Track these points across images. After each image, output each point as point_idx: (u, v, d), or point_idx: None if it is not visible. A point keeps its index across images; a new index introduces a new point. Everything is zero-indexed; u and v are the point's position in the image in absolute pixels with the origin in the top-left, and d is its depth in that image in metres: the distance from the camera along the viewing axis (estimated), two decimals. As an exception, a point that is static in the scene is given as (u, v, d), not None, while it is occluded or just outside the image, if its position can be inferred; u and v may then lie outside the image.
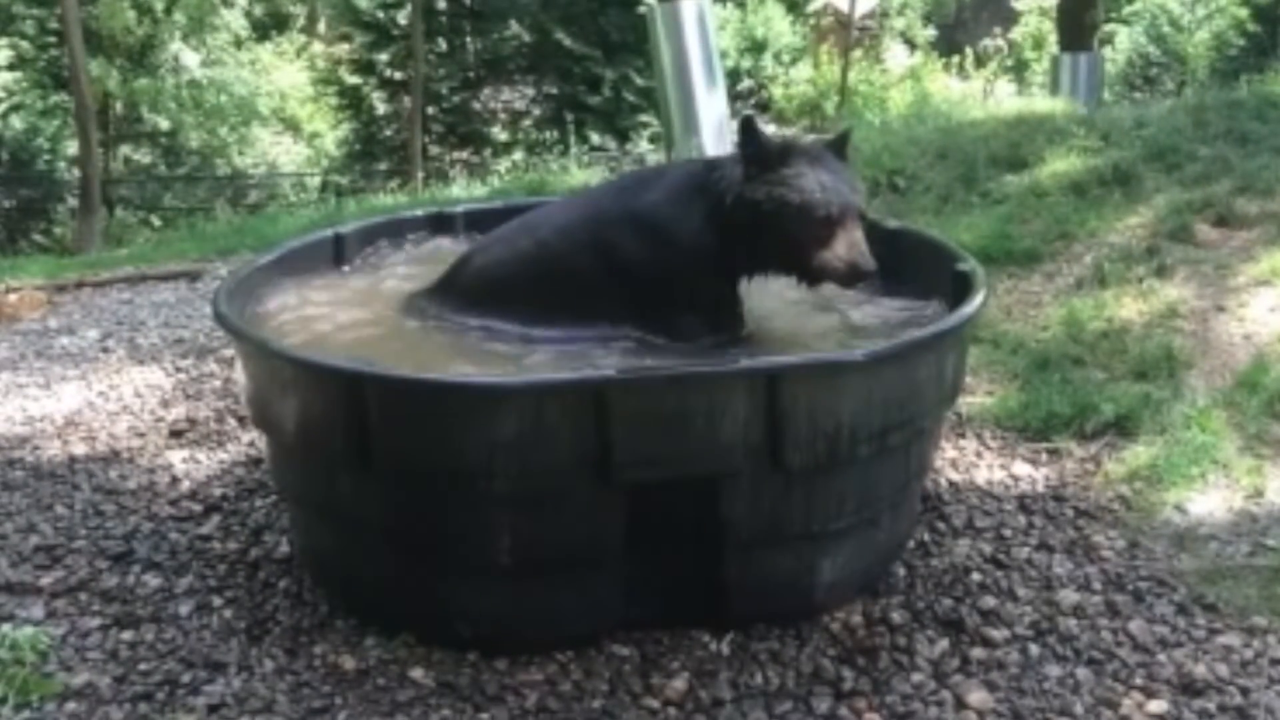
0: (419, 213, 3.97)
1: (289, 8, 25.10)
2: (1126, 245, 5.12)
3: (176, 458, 3.75)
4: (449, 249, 3.57)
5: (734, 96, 15.46)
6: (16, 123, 18.10)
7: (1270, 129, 6.26)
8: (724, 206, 2.85)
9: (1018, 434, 3.75)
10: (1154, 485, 3.41)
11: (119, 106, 19.56)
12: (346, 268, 3.54)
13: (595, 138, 17.66)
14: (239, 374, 3.06)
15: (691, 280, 2.93)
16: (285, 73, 23.13)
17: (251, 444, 3.78)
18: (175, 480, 3.60)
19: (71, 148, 17.21)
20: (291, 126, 23.08)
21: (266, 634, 2.77)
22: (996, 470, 3.54)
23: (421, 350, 2.97)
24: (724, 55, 15.19)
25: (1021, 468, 3.55)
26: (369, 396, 2.51)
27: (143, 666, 2.65)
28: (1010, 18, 25.77)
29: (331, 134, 21.59)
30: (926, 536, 3.15)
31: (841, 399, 2.56)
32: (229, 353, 4.41)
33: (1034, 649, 2.68)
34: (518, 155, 17.38)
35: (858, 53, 21.81)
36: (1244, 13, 19.38)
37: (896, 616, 2.78)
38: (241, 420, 3.95)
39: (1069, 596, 2.88)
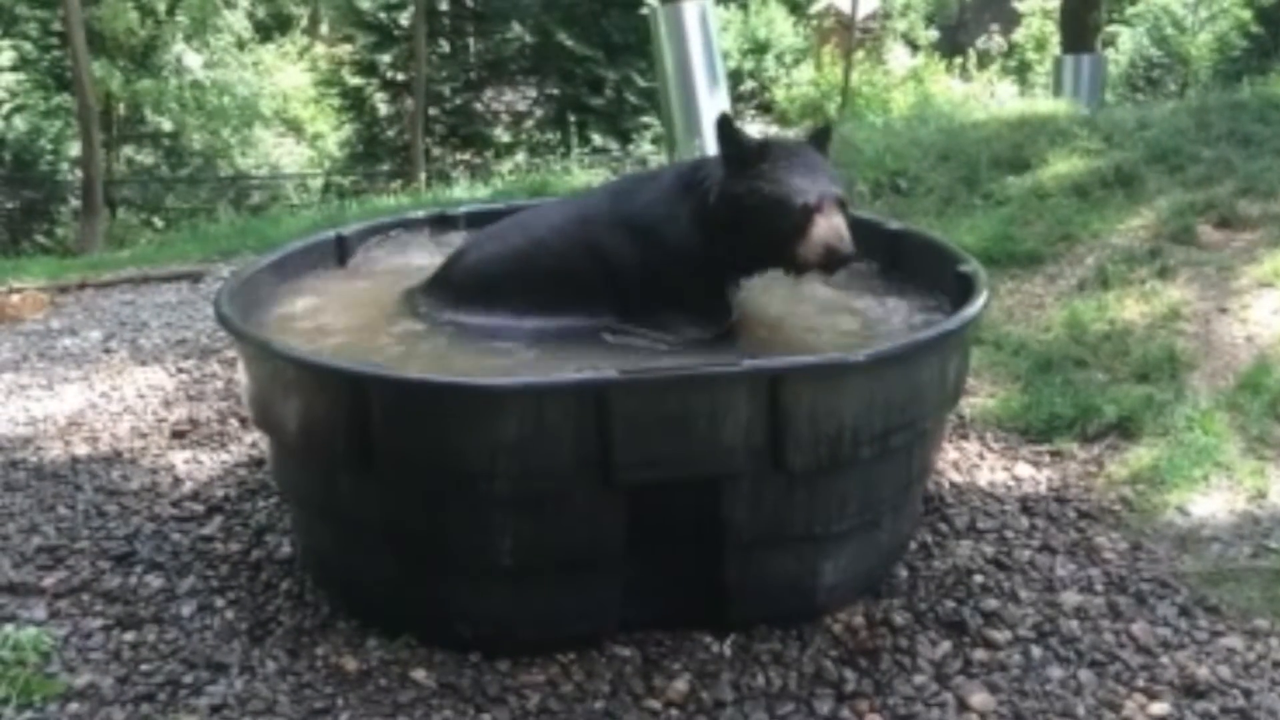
0: (420, 214, 3.98)
1: (291, 9, 25.10)
2: (1129, 247, 5.12)
3: (179, 459, 3.76)
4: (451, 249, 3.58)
5: (736, 98, 15.47)
6: (19, 124, 18.08)
7: (1273, 131, 6.25)
8: (705, 203, 2.92)
9: (1020, 435, 3.75)
10: (1156, 487, 3.41)
11: (122, 108, 19.54)
12: (347, 268, 3.54)
13: (597, 139, 17.63)
14: (241, 375, 3.06)
15: (679, 279, 2.99)
16: (288, 74, 23.10)
17: (254, 445, 3.78)
18: (177, 481, 3.60)
19: (74, 149, 17.20)
20: (294, 128, 23.06)
21: (268, 635, 2.78)
22: (999, 472, 3.54)
23: (419, 350, 2.97)
24: (726, 57, 15.20)
25: (1024, 469, 3.55)
26: (371, 398, 2.51)
27: (145, 667, 2.66)
28: (1013, 19, 25.75)
29: (334, 135, 21.57)
30: (928, 538, 3.15)
31: (843, 400, 2.56)
32: (231, 354, 4.41)
33: (1036, 651, 2.68)
34: (520, 156, 17.37)
35: (860, 54, 21.79)
36: (1247, 14, 19.35)
37: (898, 618, 2.78)
38: (244, 421, 3.95)
39: (1071, 598, 2.88)
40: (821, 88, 21.00)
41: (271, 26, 23.88)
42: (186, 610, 2.88)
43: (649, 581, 2.63)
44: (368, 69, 19.33)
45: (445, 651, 2.66)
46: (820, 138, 3.06)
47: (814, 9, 24.66)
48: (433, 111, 18.39)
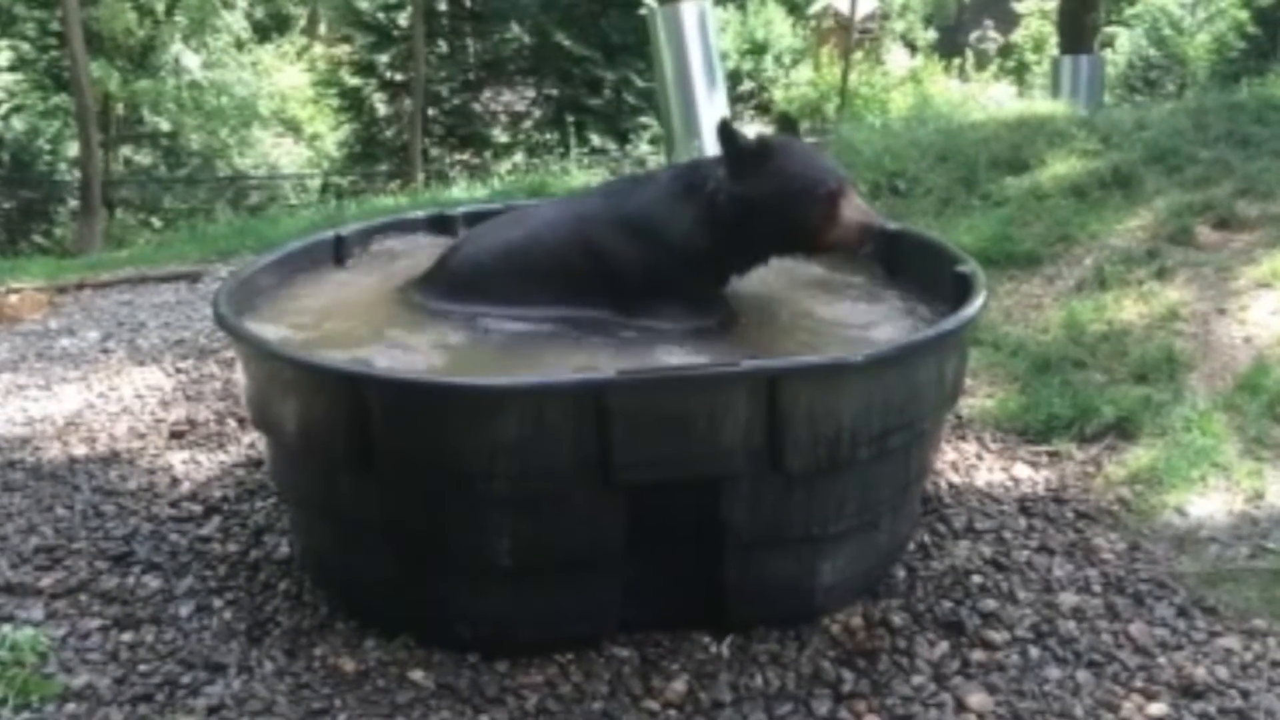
0: (420, 214, 3.98)
1: (290, 9, 25.09)
2: (1127, 248, 5.12)
3: (177, 459, 3.76)
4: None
5: (735, 99, 15.47)
6: (17, 124, 18.08)
7: (1271, 132, 6.25)
8: (716, 207, 3.00)
9: (1018, 436, 3.75)
10: (1154, 488, 3.41)
11: (120, 108, 19.53)
12: (346, 268, 3.55)
13: (596, 140, 17.62)
14: (239, 375, 3.06)
15: (680, 276, 3.05)
16: (286, 74, 23.10)
17: (252, 445, 3.78)
18: (175, 481, 3.60)
19: (72, 149, 17.20)
20: (292, 128, 23.05)
21: (266, 635, 2.77)
22: (997, 472, 3.54)
23: (418, 348, 2.98)
24: (725, 57, 15.21)
25: (1022, 470, 3.55)
26: (370, 398, 2.51)
27: (143, 668, 2.65)
28: (1011, 20, 25.76)
29: (332, 135, 21.56)
30: (927, 539, 3.15)
31: (842, 401, 2.57)
32: (229, 354, 4.41)
33: (1034, 651, 2.68)
34: (518, 157, 17.37)
35: (858, 55, 21.80)
36: (1244, 15, 19.37)
37: (897, 619, 2.78)
38: (242, 422, 3.95)
39: (1069, 599, 2.88)
40: (820, 88, 21.01)
41: (270, 27, 23.87)
42: (184, 611, 2.88)
43: (647, 582, 2.63)
44: (366, 69, 19.33)
45: (443, 652, 2.66)
46: (790, 129, 3.25)
47: (812, 10, 24.66)
48: (431, 112, 18.39)
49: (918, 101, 16.04)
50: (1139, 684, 2.58)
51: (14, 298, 5.71)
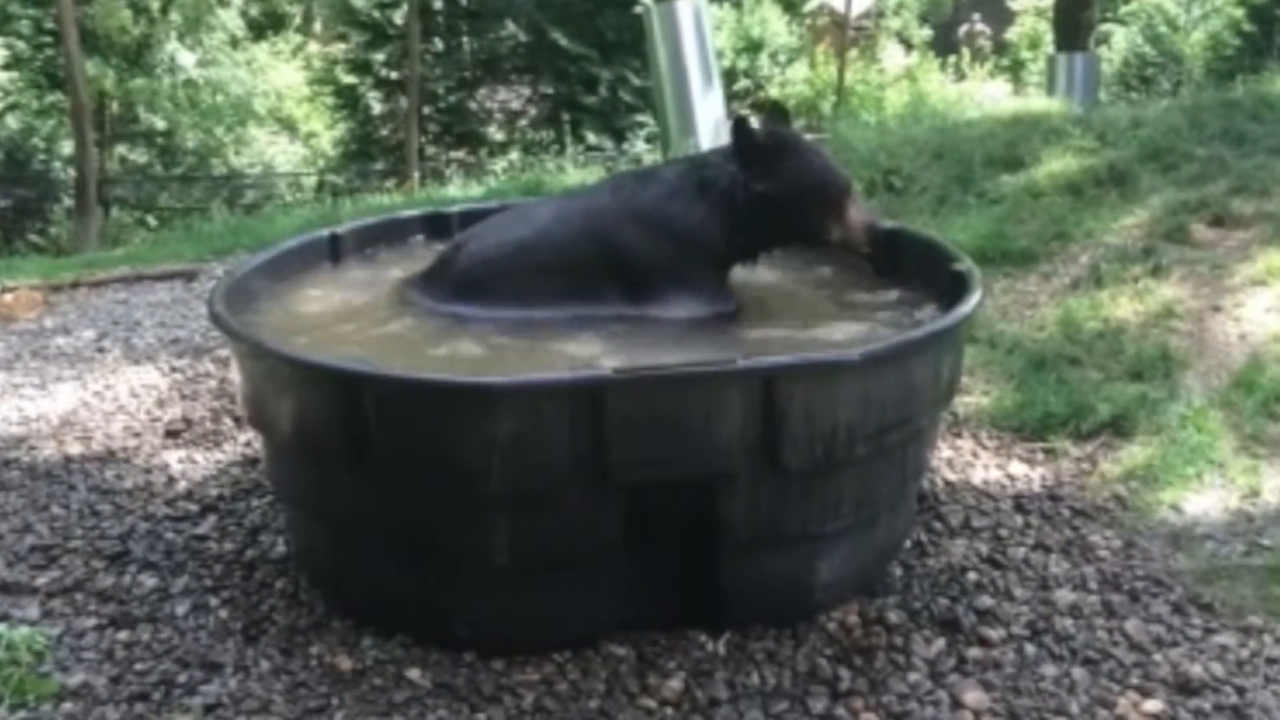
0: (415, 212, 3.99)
1: (285, 7, 25.03)
2: (1123, 245, 5.12)
3: (173, 458, 3.75)
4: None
5: (730, 96, 15.46)
6: (12, 122, 18.06)
7: (1266, 129, 6.26)
8: (731, 200, 3.09)
9: (1014, 434, 3.76)
10: (1150, 485, 3.42)
11: (115, 106, 19.50)
12: (343, 266, 3.55)
13: (591, 138, 17.60)
14: (235, 374, 3.06)
15: (694, 270, 3.12)
16: (281, 72, 23.05)
17: (248, 444, 3.78)
18: (171, 480, 3.59)
19: (67, 147, 17.17)
20: (288, 126, 23.02)
21: (263, 634, 2.77)
22: (993, 470, 3.54)
23: (417, 346, 2.98)
24: (720, 55, 15.17)
25: (1018, 468, 3.55)
26: (365, 396, 2.51)
27: (139, 666, 2.65)
28: (1006, 17, 25.76)
29: (328, 134, 21.54)
30: (923, 536, 3.15)
31: (838, 399, 2.57)
32: (225, 353, 4.41)
33: (1030, 649, 2.69)
34: (514, 155, 17.33)
35: (854, 53, 21.79)
36: (1240, 13, 19.38)
37: (893, 616, 2.79)
38: (237, 420, 3.95)
39: (1065, 596, 2.88)
40: (815, 86, 21.00)
41: (265, 25, 23.81)
42: (180, 609, 2.88)
43: (644, 580, 2.63)
44: (362, 67, 19.29)
45: (440, 651, 2.66)
46: (782, 118, 3.35)
47: (808, 7, 24.64)
48: (427, 110, 18.36)
49: (913, 99, 16.06)
50: (1135, 681, 2.58)
51: (9, 296, 5.71)
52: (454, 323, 3.06)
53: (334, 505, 2.76)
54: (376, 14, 19.09)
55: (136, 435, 3.94)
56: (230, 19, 20.80)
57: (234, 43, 21.04)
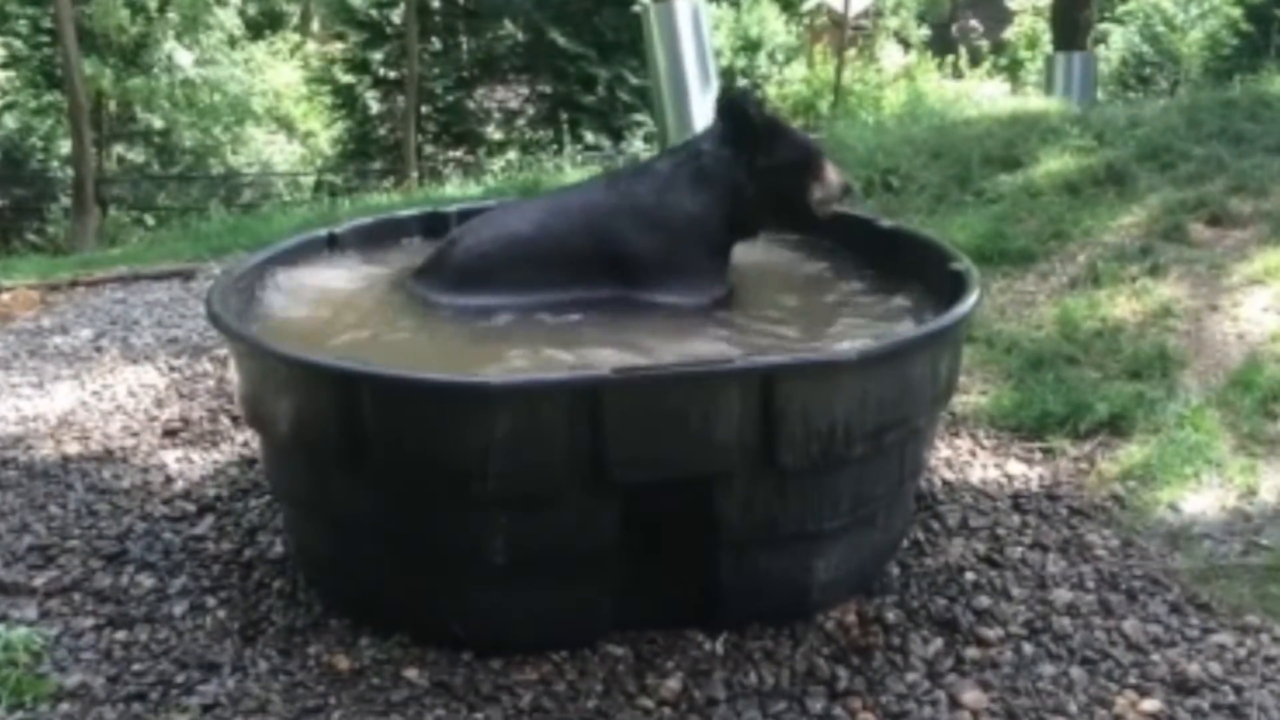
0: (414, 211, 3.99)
1: (283, 6, 25.04)
2: (1120, 244, 5.13)
3: (170, 457, 3.75)
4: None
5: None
6: (10, 121, 18.04)
7: (1264, 128, 6.27)
8: (733, 181, 3.18)
9: (1012, 433, 3.76)
10: (1148, 484, 3.42)
11: (113, 105, 19.47)
12: (341, 265, 3.54)
13: (590, 137, 17.59)
14: (233, 373, 3.05)
15: (697, 259, 3.18)
16: (279, 72, 23.03)
17: (245, 444, 3.78)
18: (169, 480, 3.59)
19: (65, 147, 17.14)
20: (285, 125, 23.01)
21: (261, 634, 2.77)
22: (990, 469, 3.54)
23: (418, 345, 2.98)
24: (718, 54, 15.19)
25: (1015, 467, 3.55)
26: (363, 395, 2.51)
27: (136, 667, 2.65)
28: (1003, 16, 25.77)
29: (325, 133, 21.51)
30: (921, 536, 3.15)
31: (836, 399, 2.57)
32: (223, 352, 4.40)
33: (1028, 648, 2.69)
34: (512, 154, 17.31)
35: (852, 52, 21.80)
36: (1237, 12, 19.38)
37: (891, 616, 2.79)
38: (235, 420, 3.95)
39: (1063, 595, 2.89)
40: (813, 86, 20.99)
41: (263, 24, 23.81)
42: (178, 609, 2.87)
43: (641, 580, 2.63)
44: (359, 66, 19.27)
45: (438, 650, 2.65)
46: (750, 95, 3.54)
47: (806, 7, 24.65)
48: (425, 109, 18.35)
49: (911, 99, 16.06)
50: (1133, 680, 2.58)
51: (7, 296, 5.70)
52: (450, 316, 3.07)
53: (331, 505, 2.76)
54: (374, 13, 19.07)
55: (134, 435, 3.94)
56: (228, 18, 20.79)
57: (232, 42, 21.02)
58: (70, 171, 15.76)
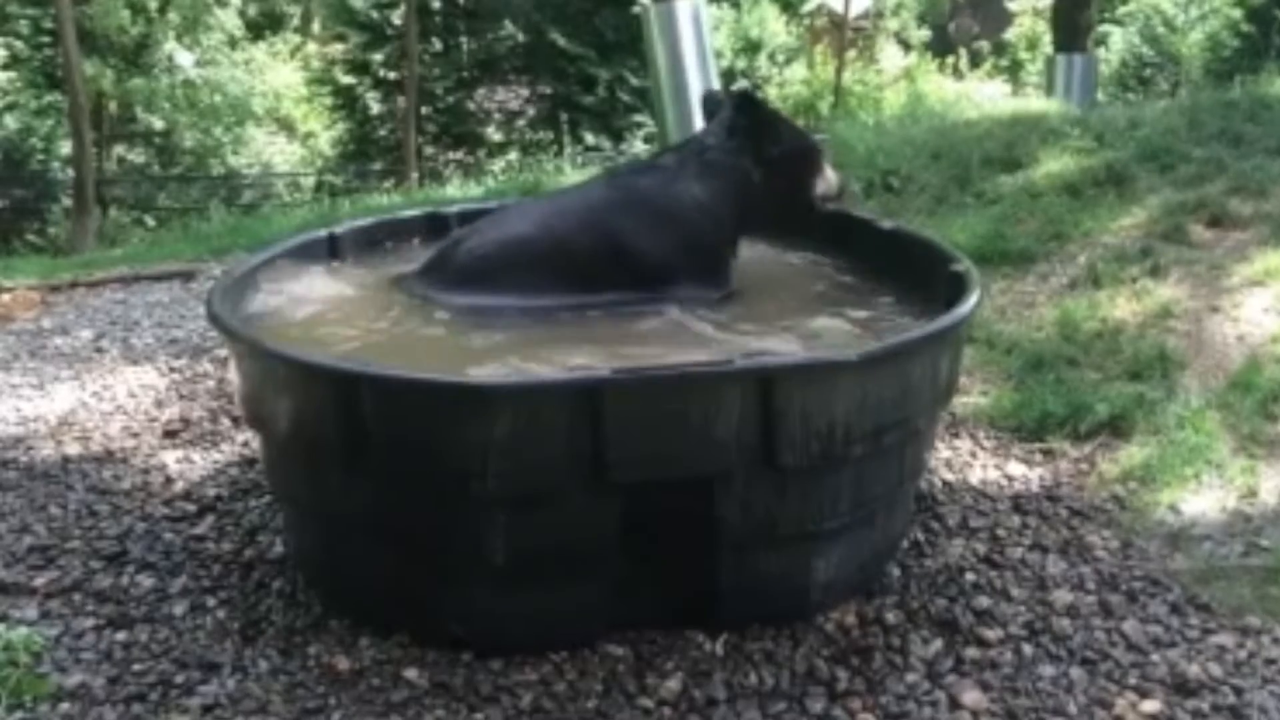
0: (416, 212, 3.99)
1: (283, 7, 25.05)
2: (1120, 246, 5.13)
3: (171, 458, 3.75)
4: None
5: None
6: (10, 122, 18.05)
7: (1264, 130, 6.27)
8: (742, 174, 3.24)
9: (1012, 434, 3.76)
10: (1148, 485, 3.42)
11: (113, 106, 19.51)
12: (341, 264, 3.55)
13: (590, 138, 17.62)
14: (233, 374, 3.05)
15: (701, 254, 3.20)
16: (280, 73, 23.06)
17: (246, 444, 3.78)
18: (169, 480, 3.59)
19: (65, 147, 17.15)
20: (286, 126, 23.04)
21: (261, 634, 2.77)
22: (991, 470, 3.54)
23: (419, 345, 2.98)
24: (719, 55, 15.17)
25: (1016, 468, 3.55)
26: (362, 396, 2.51)
27: (137, 667, 2.65)
28: (1003, 17, 25.78)
29: (326, 134, 21.54)
30: (921, 536, 3.15)
31: (836, 399, 2.57)
32: (223, 352, 4.40)
33: (1028, 649, 2.69)
34: (512, 155, 17.34)
35: (852, 53, 21.80)
36: (1238, 13, 19.40)
37: (891, 616, 2.79)
38: (236, 420, 3.94)
39: (1063, 596, 2.88)
40: (813, 87, 21.01)
41: (263, 25, 23.84)
42: (178, 610, 2.87)
43: (641, 580, 2.63)
44: (360, 67, 19.30)
45: (438, 650, 2.65)
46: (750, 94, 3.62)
47: (806, 8, 24.67)
48: (425, 110, 18.36)
49: (911, 100, 16.05)
50: (1133, 681, 2.58)
51: (7, 296, 5.70)
52: (452, 316, 3.07)
53: (331, 505, 2.76)
54: (375, 14, 19.10)
55: (134, 435, 3.94)
56: (228, 19, 20.82)
57: (232, 43, 21.06)
58: (71, 172, 15.77)
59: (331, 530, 2.83)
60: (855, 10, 21.91)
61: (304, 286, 3.36)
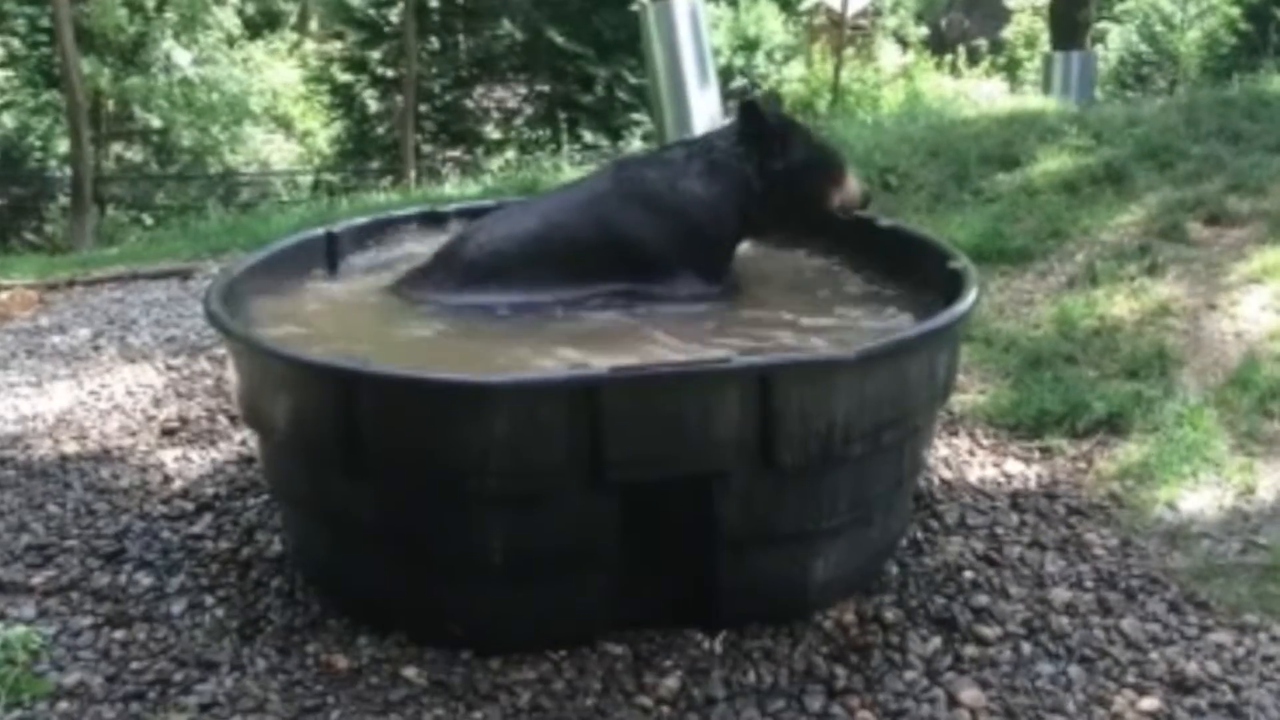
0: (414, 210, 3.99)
1: (281, 6, 25.01)
2: (1119, 243, 5.13)
3: (168, 456, 3.75)
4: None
5: (726, 95, 15.45)
6: (8, 120, 18.02)
7: (1262, 127, 6.27)
8: (745, 180, 3.24)
9: (1010, 432, 3.76)
10: (1146, 483, 3.42)
11: (111, 104, 19.47)
12: (340, 264, 3.54)
13: (588, 136, 17.60)
14: (230, 372, 3.05)
15: (703, 250, 3.23)
16: (277, 71, 23.00)
17: (243, 443, 3.77)
18: (167, 479, 3.59)
19: (63, 146, 17.12)
20: (283, 125, 22.99)
21: (259, 633, 2.77)
22: (989, 468, 3.54)
23: (420, 344, 2.98)
24: (717, 54, 15.17)
25: (1014, 466, 3.55)
26: (360, 394, 2.51)
27: (135, 665, 2.65)
28: (1001, 15, 25.77)
29: (324, 132, 21.51)
30: (919, 535, 3.15)
31: (834, 398, 2.57)
32: (221, 351, 4.40)
33: (1026, 647, 2.69)
34: (510, 154, 17.31)
35: (850, 51, 21.79)
36: (1235, 11, 19.40)
37: (889, 615, 2.79)
38: (233, 419, 3.94)
39: (1061, 594, 2.89)
40: (812, 85, 20.98)
41: (261, 23, 23.78)
42: (176, 608, 2.87)
43: (640, 579, 2.63)
44: (358, 66, 19.27)
45: (436, 649, 2.65)
46: (776, 103, 3.74)
47: (804, 6, 24.65)
48: (423, 108, 18.33)
49: (909, 98, 16.05)
50: (1131, 679, 2.58)
51: (4, 295, 5.69)
52: (461, 314, 3.07)
53: (330, 504, 2.76)
54: (372, 12, 19.06)
55: (132, 434, 3.94)
56: (226, 17, 20.76)
57: (230, 41, 21.00)
58: (68, 170, 15.73)
59: (330, 529, 2.83)
60: (853, 8, 21.90)
61: (303, 285, 3.36)
